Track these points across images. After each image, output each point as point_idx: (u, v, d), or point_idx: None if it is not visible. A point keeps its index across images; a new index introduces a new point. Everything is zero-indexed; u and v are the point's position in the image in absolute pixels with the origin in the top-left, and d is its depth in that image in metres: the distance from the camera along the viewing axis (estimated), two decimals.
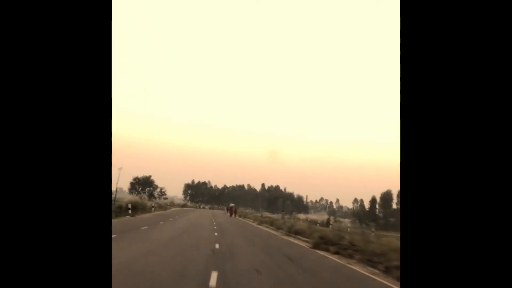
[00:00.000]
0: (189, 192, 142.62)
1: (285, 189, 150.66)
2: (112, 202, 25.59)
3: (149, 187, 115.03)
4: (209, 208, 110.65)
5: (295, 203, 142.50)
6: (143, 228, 18.55)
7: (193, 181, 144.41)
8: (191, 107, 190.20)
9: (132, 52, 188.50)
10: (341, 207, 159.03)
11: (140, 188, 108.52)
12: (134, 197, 34.02)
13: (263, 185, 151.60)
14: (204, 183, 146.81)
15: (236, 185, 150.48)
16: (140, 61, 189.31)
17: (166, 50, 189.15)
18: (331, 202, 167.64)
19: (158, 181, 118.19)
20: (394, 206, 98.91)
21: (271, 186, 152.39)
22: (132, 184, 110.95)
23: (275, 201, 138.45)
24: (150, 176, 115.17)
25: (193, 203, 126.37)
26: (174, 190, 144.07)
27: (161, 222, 24.51)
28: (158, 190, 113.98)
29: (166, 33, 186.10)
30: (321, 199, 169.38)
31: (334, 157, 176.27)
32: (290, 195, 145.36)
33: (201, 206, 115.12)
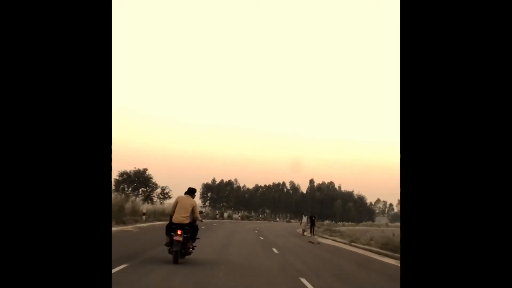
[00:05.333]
0: (209, 195, 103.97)
1: (339, 187, 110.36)
2: None
3: (144, 187, 75.95)
4: (244, 218, 69.93)
5: (356, 206, 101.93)
6: None
7: (213, 181, 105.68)
8: (218, 107, 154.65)
9: (139, 50, 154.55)
10: None
11: (130, 189, 70.05)
12: None
13: (311, 182, 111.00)
14: (229, 183, 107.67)
15: (273, 184, 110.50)
16: (153, 59, 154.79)
17: (179, 49, 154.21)
18: (390, 205, 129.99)
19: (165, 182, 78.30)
20: None
21: (323, 183, 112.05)
22: (117, 182, 70.61)
23: (330, 203, 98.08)
24: (145, 170, 76.46)
25: (211, 209, 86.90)
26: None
27: None
28: (159, 190, 75.05)
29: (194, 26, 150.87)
30: (378, 200, 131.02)
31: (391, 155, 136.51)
32: (349, 195, 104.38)
33: (224, 215, 73.14)
